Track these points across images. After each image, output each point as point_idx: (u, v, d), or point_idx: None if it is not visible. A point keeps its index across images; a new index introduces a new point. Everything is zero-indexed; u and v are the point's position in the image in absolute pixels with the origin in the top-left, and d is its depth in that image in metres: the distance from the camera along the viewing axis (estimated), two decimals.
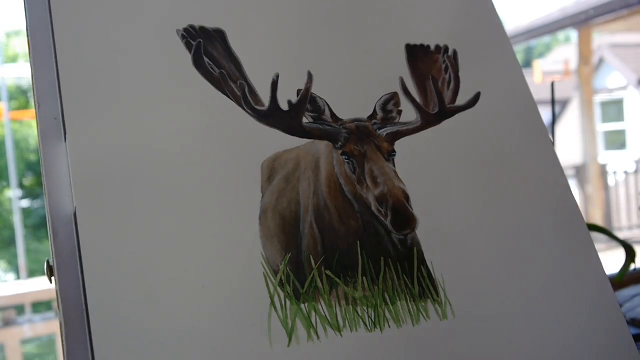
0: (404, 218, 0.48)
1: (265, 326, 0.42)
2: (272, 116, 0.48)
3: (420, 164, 0.51)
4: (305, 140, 0.48)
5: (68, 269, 0.41)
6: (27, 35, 0.46)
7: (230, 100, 0.47)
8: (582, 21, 5.14)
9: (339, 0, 0.55)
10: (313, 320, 0.43)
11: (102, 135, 0.44)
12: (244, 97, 0.48)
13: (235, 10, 0.51)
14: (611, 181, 6.02)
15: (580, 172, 5.93)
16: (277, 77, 0.48)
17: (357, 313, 0.44)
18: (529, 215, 0.53)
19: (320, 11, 0.54)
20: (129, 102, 0.45)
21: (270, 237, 0.45)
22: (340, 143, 0.49)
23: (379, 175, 0.48)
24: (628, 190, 5.85)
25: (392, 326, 0.45)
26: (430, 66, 0.55)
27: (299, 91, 0.49)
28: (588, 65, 5.60)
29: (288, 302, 0.43)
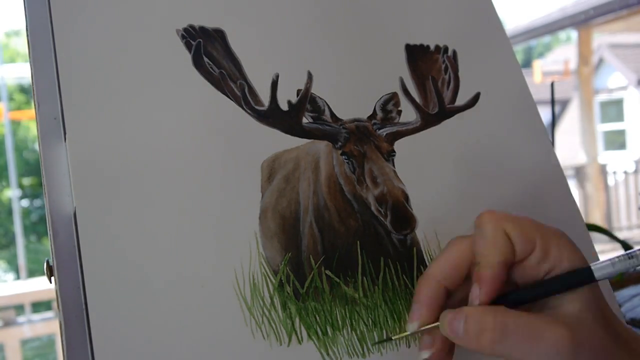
0: (404, 218, 0.48)
1: (265, 326, 0.42)
2: (272, 116, 0.48)
3: (420, 164, 0.51)
4: (305, 140, 0.48)
5: (68, 268, 0.41)
6: (27, 35, 0.46)
7: (230, 100, 0.47)
8: (582, 21, 5.14)
9: (338, 1, 0.55)
10: (313, 320, 0.43)
11: (101, 135, 0.44)
12: (244, 97, 0.48)
13: (235, 10, 0.51)
14: (611, 181, 6.02)
15: (580, 172, 5.93)
16: (277, 77, 0.48)
17: (357, 313, 0.44)
18: (528, 215, 0.53)
19: (320, 11, 0.54)
20: (129, 102, 0.45)
21: (269, 237, 0.45)
22: (339, 143, 0.49)
23: (378, 175, 0.48)
24: (628, 190, 5.86)
25: (392, 325, 0.45)
26: (430, 66, 0.55)
27: (298, 91, 0.49)
28: (588, 65, 5.61)
29: (288, 302, 0.43)
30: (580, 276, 0.39)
